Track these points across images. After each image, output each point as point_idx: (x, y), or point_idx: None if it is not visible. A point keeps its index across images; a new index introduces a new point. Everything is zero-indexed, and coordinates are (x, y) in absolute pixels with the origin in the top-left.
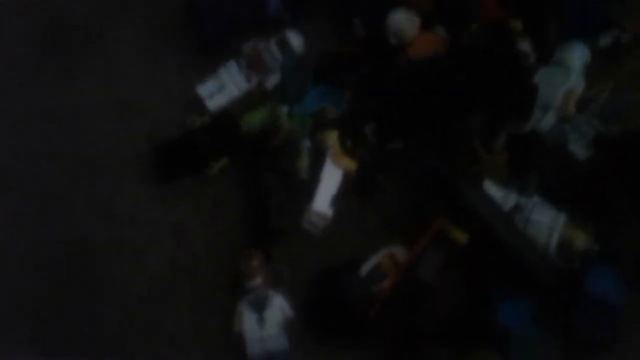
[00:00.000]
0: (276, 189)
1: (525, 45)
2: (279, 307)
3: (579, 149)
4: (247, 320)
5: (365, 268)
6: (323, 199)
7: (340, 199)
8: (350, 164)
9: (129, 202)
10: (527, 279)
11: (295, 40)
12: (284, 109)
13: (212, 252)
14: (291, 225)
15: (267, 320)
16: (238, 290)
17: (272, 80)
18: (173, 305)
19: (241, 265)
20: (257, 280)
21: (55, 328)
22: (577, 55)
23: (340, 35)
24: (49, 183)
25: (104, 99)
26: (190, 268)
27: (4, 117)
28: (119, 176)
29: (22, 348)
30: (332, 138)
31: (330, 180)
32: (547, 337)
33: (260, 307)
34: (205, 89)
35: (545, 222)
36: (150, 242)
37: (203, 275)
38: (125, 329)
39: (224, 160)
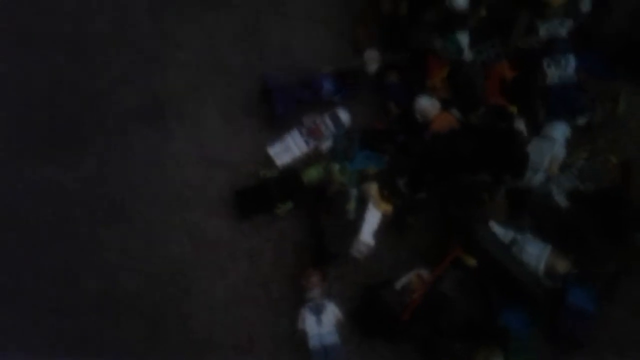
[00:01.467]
0: (331, 225)
1: (520, 124)
2: (332, 311)
3: (561, 200)
4: (308, 321)
5: (399, 284)
6: (367, 233)
7: (379, 234)
8: (387, 208)
9: (214, 232)
10: (522, 293)
11: (344, 115)
12: (336, 166)
13: (280, 270)
14: (342, 252)
15: (324, 321)
16: (301, 299)
17: (326, 145)
18: (249, 310)
19: (303, 280)
20: (316, 292)
21: (158, 322)
22: (560, 131)
23: (379, 113)
24: (155, 215)
25: (196, 154)
26: (262, 282)
27: (123, 164)
28: (208, 212)
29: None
30: (373, 188)
31: (372, 219)
32: (537, 336)
33: (318, 311)
34: (274, 149)
35: (535, 252)
36: (231, 262)
37: (273, 288)
38: (212, 326)
39: (289, 203)
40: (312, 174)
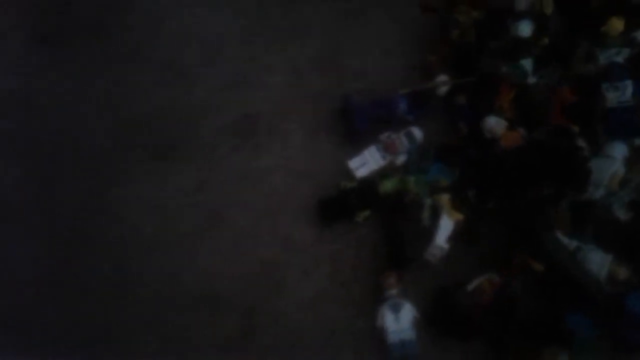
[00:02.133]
0: (407, 231)
1: (581, 143)
2: (409, 310)
3: (621, 213)
4: (387, 318)
5: (471, 286)
6: (441, 238)
7: (452, 240)
8: (459, 217)
9: (300, 237)
10: (586, 298)
11: (418, 133)
12: (411, 178)
13: (359, 273)
14: (418, 256)
15: (401, 318)
16: (379, 299)
17: (401, 159)
18: (332, 307)
19: (382, 280)
20: (394, 291)
21: (251, 320)
22: (619, 150)
23: (449, 131)
24: (247, 222)
25: (283, 167)
26: (344, 283)
27: (218, 175)
28: (293, 220)
29: (230, 329)
30: (445, 199)
31: (446, 226)
32: (600, 339)
33: (396, 309)
34: (353, 163)
35: (597, 260)
36: (315, 265)
37: (353, 288)
38: (299, 322)
39: (367, 212)
40: (388, 185)
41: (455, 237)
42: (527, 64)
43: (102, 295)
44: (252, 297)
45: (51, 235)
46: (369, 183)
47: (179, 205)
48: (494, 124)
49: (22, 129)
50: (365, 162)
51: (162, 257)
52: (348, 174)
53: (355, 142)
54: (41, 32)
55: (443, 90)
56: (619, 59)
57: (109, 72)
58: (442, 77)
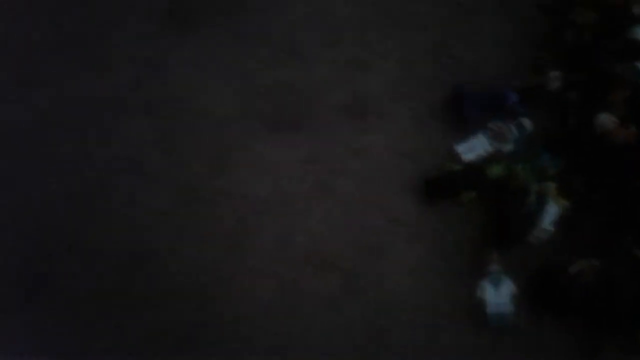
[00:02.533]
0: (513, 215)
1: None
2: (509, 285)
3: None
4: (488, 291)
5: (573, 269)
6: (547, 222)
7: (556, 225)
8: (565, 203)
9: (403, 211)
10: None
11: (528, 124)
12: (519, 166)
13: (461, 248)
14: (523, 238)
15: (501, 292)
16: (478, 274)
17: (508, 148)
18: (433, 277)
19: (485, 256)
20: (495, 267)
21: (355, 279)
22: None
23: (559, 124)
24: (354, 191)
25: (390, 147)
26: (445, 256)
27: (329, 148)
28: (397, 194)
29: (334, 286)
30: (552, 186)
31: (552, 211)
32: None
33: (496, 283)
34: (461, 148)
35: None
36: (418, 237)
37: (454, 261)
38: (400, 287)
39: (473, 193)
40: (495, 171)
41: (560, 222)
42: None
43: (223, 244)
44: (356, 261)
45: (177, 186)
46: (476, 167)
47: (293, 173)
48: (606, 120)
49: (154, 94)
50: (473, 148)
51: (275, 218)
52: (453, 157)
53: (464, 128)
54: (173, 10)
55: (555, 85)
56: None
57: (233, 49)
58: (555, 73)
